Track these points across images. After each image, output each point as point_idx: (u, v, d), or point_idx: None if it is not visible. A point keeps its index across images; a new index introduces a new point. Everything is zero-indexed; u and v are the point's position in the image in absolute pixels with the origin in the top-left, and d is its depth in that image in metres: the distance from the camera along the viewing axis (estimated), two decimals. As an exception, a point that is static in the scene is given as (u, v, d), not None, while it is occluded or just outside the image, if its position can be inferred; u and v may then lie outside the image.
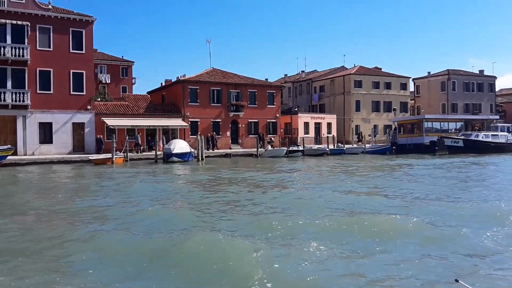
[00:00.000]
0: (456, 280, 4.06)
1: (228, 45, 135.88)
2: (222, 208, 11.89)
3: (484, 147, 37.48)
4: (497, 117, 49.64)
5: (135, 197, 14.10)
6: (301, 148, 38.24)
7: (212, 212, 11.32)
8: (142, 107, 40.63)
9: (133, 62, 61.82)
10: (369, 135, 48.31)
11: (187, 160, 30.83)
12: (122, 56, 61.15)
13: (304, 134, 48.64)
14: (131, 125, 36.98)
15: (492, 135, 39.05)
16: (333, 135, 49.07)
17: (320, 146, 40.43)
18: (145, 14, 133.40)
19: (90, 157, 29.74)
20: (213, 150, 39.11)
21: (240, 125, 43.61)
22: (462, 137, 37.66)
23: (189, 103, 40.96)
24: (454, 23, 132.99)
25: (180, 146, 30.40)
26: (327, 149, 38.59)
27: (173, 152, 29.58)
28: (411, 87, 65.53)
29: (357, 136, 51.30)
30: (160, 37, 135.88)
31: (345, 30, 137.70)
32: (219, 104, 42.55)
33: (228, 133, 42.88)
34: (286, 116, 50.45)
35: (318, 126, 50.81)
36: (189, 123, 40.60)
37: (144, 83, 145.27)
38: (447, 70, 61.88)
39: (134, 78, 63.50)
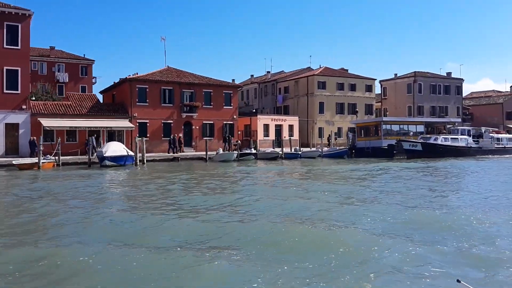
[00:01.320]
0: (458, 281, 4.04)
1: (195, 45, 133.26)
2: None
3: (443, 151, 36.21)
4: (459, 120, 48.72)
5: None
6: (253, 151, 36.26)
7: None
8: (86, 107, 38.11)
9: (94, 60, 59.00)
10: (328, 138, 46.60)
11: (124, 164, 28.53)
12: (84, 55, 58.39)
13: (264, 136, 46.81)
14: (70, 126, 34.43)
15: (451, 138, 37.82)
16: (295, 138, 47.57)
17: (273, 149, 38.50)
18: (110, 11, 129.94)
19: (13, 161, 27.15)
20: (176, 153, 37.09)
21: (194, 127, 41.44)
22: (421, 141, 36.29)
23: (137, 103, 38.60)
24: (431, 25, 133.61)
25: (114, 149, 28.06)
26: (280, 153, 36.72)
27: (105, 155, 27.24)
28: (378, 89, 64.63)
29: (327, 138, 49.54)
30: (123, 35, 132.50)
31: (313, 31, 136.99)
32: (171, 105, 40.30)
33: (181, 135, 40.61)
34: (246, 117, 48.48)
35: (279, 128, 48.98)
36: (137, 124, 38.23)
37: (107, 83, 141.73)
38: (414, 72, 60.99)
39: (95, 77, 60.70)
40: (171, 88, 40.29)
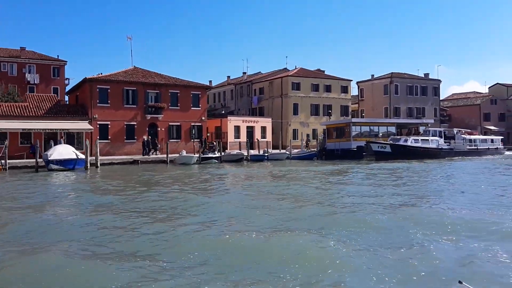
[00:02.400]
0: (460, 282, 4.01)
1: (172, 46, 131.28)
2: None
3: (413, 152, 35.29)
4: (432, 121, 47.89)
5: None
6: (217, 154, 34.95)
7: None
8: (44, 108, 36.50)
9: (66, 61, 57.20)
10: (307, 141, 45.43)
11: (73, 168, 27.00)
12: (58, 56, 56.61)
13: (235, 138, 45.55)
14: (23, 128, 32.82)
15: (422, 140, 36.90)
16: (267, 140, 46.49)
17: (239, 151, 37.20)
18: (85, 10, 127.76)
19: (-49, 166, 25.54)
20: (149, 156, 35.96)
21: (159, 129, 40.01)
22: (389, 142, 35.32)
23: (98, 104, 37.07)
24: (416, 27, 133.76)
25: (61, 152, 26.53)
26: (245, 155, 35.50)
27: (50, 159, 25.70)
28: (356, 90, 63.83)
29: (305, 140, 48.30)
30: (99, 35, 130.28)
31: (290, 32, 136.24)
32: (135, 106, 38.85)
33: (145, 138, 39.15)
34: (216, 119, 47.22)
35: (251, 130, 47.77)
36: (97, 126, 36.71)
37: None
38: (391, 73, 60.25)
39: (68, 78, 59.03)
40: (135, 88, 38.83)
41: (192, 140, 40.85)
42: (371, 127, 40.58)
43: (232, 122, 45.83)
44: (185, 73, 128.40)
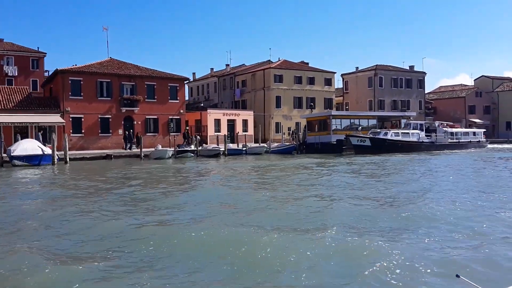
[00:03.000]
0: (457, 276, 4.02)
1: (155, 38, 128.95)
2: None
3: (393, 146, 34.70)
4: (414, 113, 47.38)
5: None
6: (193, 147, 34.04)
7: None
8: (14, 101, 35.25)
9: (45, 53, 55.69)
10: (294, 133, 44.50)
11: (39, 163, 25.91)
12: (38, 48, 55.10)
13: (215, 132, 44.60)
14: (-11, 122, 31.58)
15: (402, 133, 36.28)
16: (249, 134, 45.68)
17: (215, 145, 36.35)
18: (65, 2, 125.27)
19: None
20: (131, 150, 35.08)
21: (135, 122, 38.95)
22: (369, 136, 34.65)
23: (70, 97, 35.90)
24: (403, 18, 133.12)
25: (25, 147, 25.45)
26: (221, 149, 34.62)
27: (13, 154, 24.63)
28: (341, 83, 63.08)
29: (290, 133, 47.43)
30: (79, 27, 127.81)
31: (275, 24, 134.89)
32: (109, 98, 37.72)
33: (121, 131, 38.11)
34: (196, 112, 46.25)
35: (232, 123, 46.89)
36: (70, 119, 35.57)
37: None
38: (375, 65, 59.59)
39: (47, 70, 57.71)
40: (109, 80, 37.68)
41: (170, 133, 39.92)
42: (352, 120, 39.86)
43: (212, 115, 44.89)
44: (168, 65, 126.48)
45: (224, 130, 45.22)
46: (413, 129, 37.86)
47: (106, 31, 42.96)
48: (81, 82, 36.49)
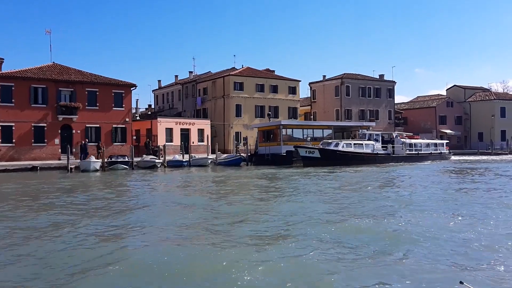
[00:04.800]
0: (461, 282, 3.96)
1: (121, 46, 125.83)
2: None
3: (344, 158, 32.51)
4: (373, 124, 45.46)
5: None
6: (126, 159, 31.57)
7: None
8: None
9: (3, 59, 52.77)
10: (243, 143, 42.25)
11: None
12: None
13: (167, 141, 42.06)
14: None
15: (355, 144, 34.15)
16: (204, 144, 43.25)
17: (153, 157, 33.88)
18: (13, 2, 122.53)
19: None
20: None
21: (74, 131, 36.41)
22: (318, 147, 32.47)
23: (0, 103, 33.31)
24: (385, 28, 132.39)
25: None
26: (157, 161, 32.19)
27: None
28: (311, 92, 61.11)
29: (243, 143, 45.11)
30: (34, 30, 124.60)
31: (241, 31, 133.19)
32: (44, 105, 35.22)
33: (57, 141, 35.56)
34: (146, 121, 43.86)
35: (186, 133, 44.51)
36: (-1, 128, 32.99)
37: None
38: (343, 74, 57.82)
39: None
40: (45, 86, 35.18)
41: (114, 143, 37.47)
42: (305, 130, 37.67)
43: (163, 124, 42.47)
44: (132, 73, 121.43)
45: (177, 140, 42.84)
46: (369, 139, 35.77)
47: (49, 34, 40.57)
48: (13, 88, 33.94)
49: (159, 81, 67.79)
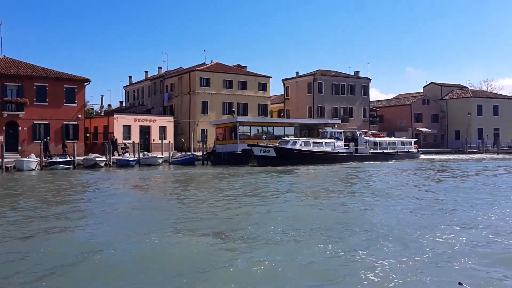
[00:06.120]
0: (460, 283, 3.93)
1: (93, 40, 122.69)
2: None
3: (302, 157, 30.95)
4: (339, 121, 43.93)
5: None
6: (68, 158, 29.73)
7: None
8: None
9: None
10: (198, 141, 40.47)
11: None
12: None
13: (125, 139, 40.25)
14: None
15: (314, 143, 32.59)
16: (166, 142, 41.49)
17: (97, 155, 32.06)
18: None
19: None
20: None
21: (20, 128, 34.49)
22: (273, 146, 30.84)
23: None
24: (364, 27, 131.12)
25: None
26: (99, 159, 30.36)
27: None
28: (287, 89, 59.49)
29: (203, 141, 43.32)
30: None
31: (214, 25, 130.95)
32: (-13, 101, 33.24)
33: (1, 138, 33.58)
34: (104, 118, 41.99)
35: (147, 130, 42.73)
36: None
37: None
38: (316, 70, 56.29)
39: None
40: (-13, 80, 33.22)
41: (65, 141, 35.58)
42: (265, 128, 36.03)
43: (119, 121, 40.61)
44: (102, 68, 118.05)
45: (135, 138, 40.96)
46: (330, 138, 34.22)
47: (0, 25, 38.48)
48: (-50, 82, 31.96)
49: (130, 77, 65.88)
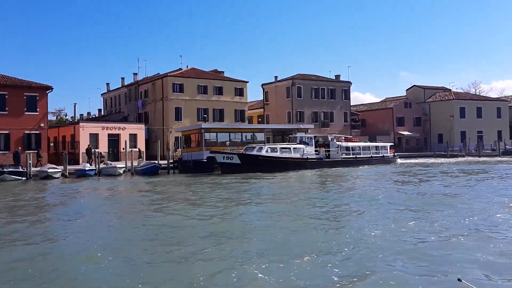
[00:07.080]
0: (459, 279, 3.96)
1: (70, 45, 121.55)
2: None
3: (267, 163, 29.70)
4: (312, 126, 42.75)
5: None
6: (21, 169, 28.31)
7: None
8: None
9: None
10: (168, 149, 39.14)
11: None
12: None
13: (93, 148, 38.83)
14: None
15: (281, 148, 31.37)
16: (135, 150, 40.20)
17: (52, 165, 30.65)
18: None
19: None
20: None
21: (-23, 138, 33.10)
22: (238, 152, 29.60)
23: None
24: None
25: None
26: (52, 171, 28.92)
27: None
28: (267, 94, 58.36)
29: (171, 149, 42.12)
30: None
31: (189, 30, 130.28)
32: None
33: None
34: (69, 126, 40.63)
35: (116, 138, 41.36)
36: None
37: None
38: (295, 74, 55.24)
39: None
40: None
41: (25, 151, 34.18)
42: (232, 134, 34.77)
43: (86, 129, 39.21)
44: (81, 77, 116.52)
45: (103, 146, 39.68)
46: (300, 143, 33.01)
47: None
48: None
49: (108, 84, 64.54)
